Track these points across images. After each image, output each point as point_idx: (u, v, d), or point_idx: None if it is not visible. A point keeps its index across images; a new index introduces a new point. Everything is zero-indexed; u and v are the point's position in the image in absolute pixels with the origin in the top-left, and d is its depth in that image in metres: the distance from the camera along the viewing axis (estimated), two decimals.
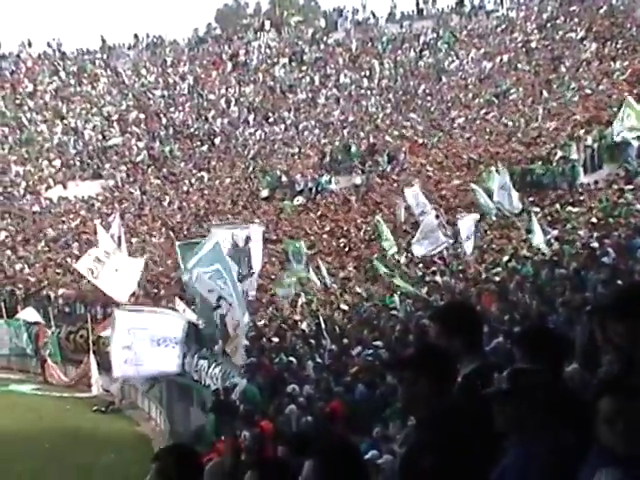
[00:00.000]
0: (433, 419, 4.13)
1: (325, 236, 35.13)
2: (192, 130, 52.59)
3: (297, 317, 25.18)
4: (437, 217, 27.17)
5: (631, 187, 25.98)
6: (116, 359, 19.88)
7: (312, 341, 21.21)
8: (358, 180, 39.78)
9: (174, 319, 21.16)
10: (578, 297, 14.43)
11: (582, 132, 32.67)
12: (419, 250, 26.12)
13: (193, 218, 42.26)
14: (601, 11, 46.70)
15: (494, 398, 3.99)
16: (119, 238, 28.78)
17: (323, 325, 21.48)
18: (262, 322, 25.48)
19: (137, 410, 26.66)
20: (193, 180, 47.65)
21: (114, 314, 20.82)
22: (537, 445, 3.87)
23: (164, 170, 49.48)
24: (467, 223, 25.07)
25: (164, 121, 54.05)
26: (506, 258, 22.95)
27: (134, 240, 39.48)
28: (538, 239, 22.24)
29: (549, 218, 26.07)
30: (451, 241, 26.17)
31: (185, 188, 46.94)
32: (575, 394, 4.48)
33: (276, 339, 22.85)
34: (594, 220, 23.64)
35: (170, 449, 4.98)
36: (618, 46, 41.92)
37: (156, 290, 32.87)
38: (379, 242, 29.69)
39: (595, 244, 19.76)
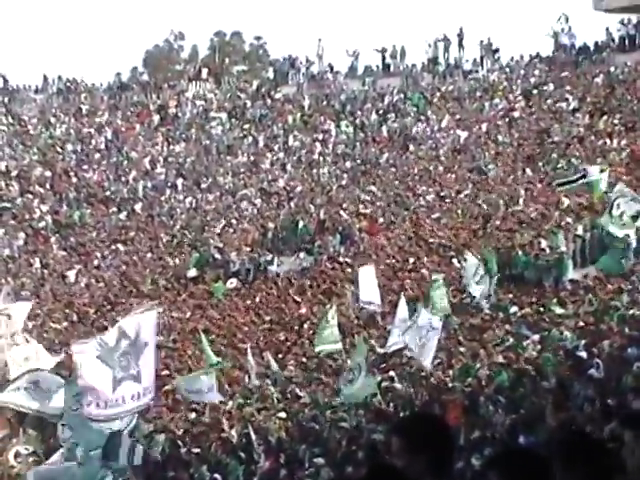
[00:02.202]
0: None
1: (263, 327, 35.07)
2: (108, 193, 52.50)
3: (225, 424, 25.05)
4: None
5: (628, 287, 26.49)
6: None
7: (242, 454, 21.11)
8: (305, 262, 39.91)
9: None
10: (561, 416, 14.63)
11: (571, 220, 33.31)
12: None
13: (103, 299, 41.97)
14: (597, 79, 47.65)
15: None
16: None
17: (253, 436, 21.42)
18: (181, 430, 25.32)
19: None
20: (106, 252, 47.42)
21: None
22: None
23: (71, 240, 49.20)
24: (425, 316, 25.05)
25: (74, 181, 53.93)
26: (478, 365, 23.17)
27: (30, 323, 38.99)
28: None
29: (530, 319, 26.46)
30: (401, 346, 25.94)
31: (96, 262, 46.66)
32: None
33: (197, 450, 22.69)
34: (582, 324, 24.03)
35: None
36: (615, 121, 42.94)
37: None
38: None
39: (583, 353, 20.10)
